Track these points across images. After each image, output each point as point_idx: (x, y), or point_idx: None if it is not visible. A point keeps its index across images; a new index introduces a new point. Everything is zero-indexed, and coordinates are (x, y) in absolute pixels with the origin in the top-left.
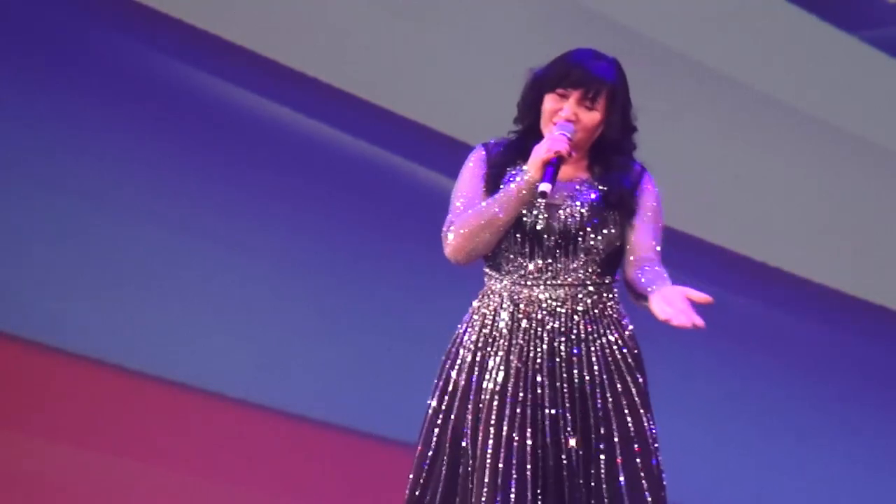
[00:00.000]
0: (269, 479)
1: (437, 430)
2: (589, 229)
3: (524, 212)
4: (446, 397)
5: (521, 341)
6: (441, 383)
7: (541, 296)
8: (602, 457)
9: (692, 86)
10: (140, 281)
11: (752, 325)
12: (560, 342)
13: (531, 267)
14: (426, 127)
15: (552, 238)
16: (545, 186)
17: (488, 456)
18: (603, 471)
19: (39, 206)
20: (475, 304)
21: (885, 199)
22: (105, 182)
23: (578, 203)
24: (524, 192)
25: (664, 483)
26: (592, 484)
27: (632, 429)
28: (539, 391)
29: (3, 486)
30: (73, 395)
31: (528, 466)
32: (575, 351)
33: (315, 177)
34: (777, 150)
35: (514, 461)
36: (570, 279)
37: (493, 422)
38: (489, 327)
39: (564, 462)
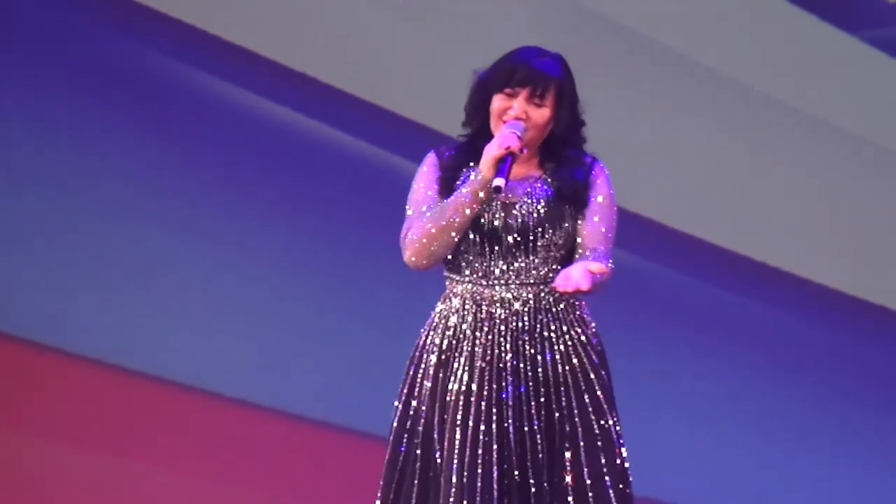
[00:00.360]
0: (269, 479)
1: (406, 435)
2: (547, 225)
3: (481, 213)
4: (413, 401)
5: (485, 341)
6: (406, 388)
7: (503, 295)
8: (567, 454)
9: (692, 86)
10: (140, 281)
11: (752, 325)
12: (524, 341)
13: (491, 267)
14: (426, 127)
15: (510, 237)
16: (499, 181)
17: (455, 456)
18: (568, 468)
19: (39, 206)
20: (438, 307)
21: (885, 199)
22: (105, 182)
23: (534, 200)
24: (480, 191)
25: (629, 479)
26: (556, 481)
27: (595, 426)
28: (504, 391)
29: (3, 486)
30: (73, 395)
31: (494, 466)
32: (539, 349)
33: (315, 177)
34: (777, 150)
35: (480, 461)
36: (531, 278)
37: (458, 422)
38: (452, 329)
39: (529, 460)
